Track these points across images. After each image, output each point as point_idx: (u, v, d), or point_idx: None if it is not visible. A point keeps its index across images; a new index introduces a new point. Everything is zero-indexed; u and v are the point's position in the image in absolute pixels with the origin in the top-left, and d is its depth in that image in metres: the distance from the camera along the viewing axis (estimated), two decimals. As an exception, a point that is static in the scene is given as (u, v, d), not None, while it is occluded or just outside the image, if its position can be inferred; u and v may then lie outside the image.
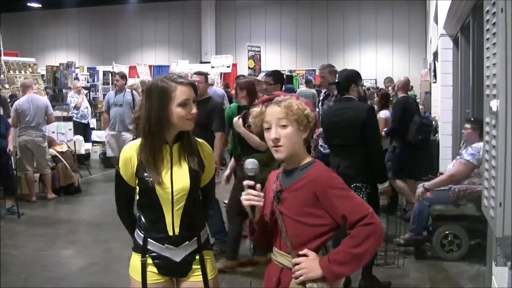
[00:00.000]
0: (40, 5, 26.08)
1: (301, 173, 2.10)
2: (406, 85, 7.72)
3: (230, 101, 13.06)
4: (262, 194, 2.10)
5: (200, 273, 2.40)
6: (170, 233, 2.33)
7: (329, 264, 1.97)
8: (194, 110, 2.30)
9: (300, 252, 2.03)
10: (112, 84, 13.13)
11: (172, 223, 2.34)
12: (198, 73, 5.88)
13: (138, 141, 2.36)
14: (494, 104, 1.99)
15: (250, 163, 2.08)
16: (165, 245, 2.34)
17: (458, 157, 5.27)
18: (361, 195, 4.18)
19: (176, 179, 2.32)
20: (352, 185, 4.17)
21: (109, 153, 9.71)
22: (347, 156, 4.36)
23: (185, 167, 2.34)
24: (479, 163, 4.94)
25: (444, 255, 5.25)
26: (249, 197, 2.06)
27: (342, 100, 4.64)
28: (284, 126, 2.08)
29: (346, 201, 2.01)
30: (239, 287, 4.61)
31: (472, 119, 5.56)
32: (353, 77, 4.65)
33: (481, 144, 4.88)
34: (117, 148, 9.07)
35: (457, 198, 5.23)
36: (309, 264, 2.00)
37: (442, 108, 8.47)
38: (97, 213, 7.51)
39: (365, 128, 4.30)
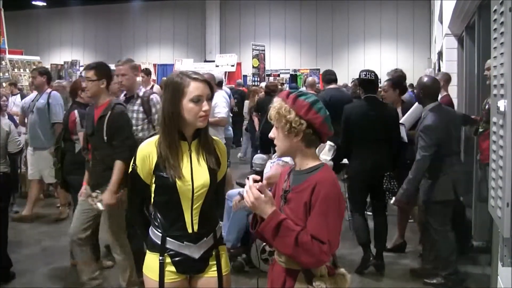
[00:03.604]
0: (45, 3, 26.13)
1: (307, 176, 2.11)
2: (312, 84, 8.95)
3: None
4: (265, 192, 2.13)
5: (215, 268, 2.42)
6: (190, 231, 2.35)
7: (274, 221, 2.02)
8: (206, 108, 2.30)
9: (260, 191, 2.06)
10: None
11: (191, 220, 2.35)
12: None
13: (156, 137, 2.38)
14: (501, 104, 1.99)
15: (259, 159, 2.11)
16: (184, 242, 2.35)
17: (275, 160, 4.90)
18: (392, 183, 4.88)
19: (196, 176, 2.34)
20: (386, 174, 4.86)
21: (31, 174, 6.93)
22: (378, 149, 4.85)
23: (204, 164, 2.37)
24: None
25: (264, 267, 4.75)
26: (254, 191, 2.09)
27: (370, 99, 5.02)
28: (276, 127, 2.15)
29: (321, 218, 2.01)
30: (245, 287, 4.61)
31: None
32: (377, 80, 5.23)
33: None
34: (37, 170, 6.71)
35: None
36: (262, 205, 2.05)
37: (447, 108, 8.44)
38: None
39: (392, 126, 4.92)
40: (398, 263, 5.30)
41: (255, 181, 2.09)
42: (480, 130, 5.04)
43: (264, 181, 2.11)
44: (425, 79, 4.70)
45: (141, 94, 4.73)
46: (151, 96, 4.73)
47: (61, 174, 5.08)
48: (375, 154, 4.85)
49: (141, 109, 4.68)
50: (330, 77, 6.90)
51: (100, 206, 3.98)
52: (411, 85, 19.74)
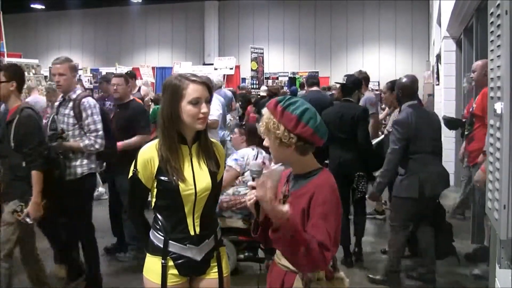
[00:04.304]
0: (43, 7, 26.15)
1: (305, 181, 2.10)
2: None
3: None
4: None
5: (216, 270, 2.44)
6: (192, 233, 2.35)
7: (293, 227, 1.89)
8: (205, 110, 2.30)
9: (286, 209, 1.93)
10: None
11: (193, 223, 2.36)
12: (118, 75, 5.63)
13: (156, 141, 2.37)
14: (498, 106, 1.99)
15: (255, 166, 2.08)
16: (187, 245, 2.35)
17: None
18: (362, 182, 5.05)
19: (199, 179, 2.34)
20: (356, 174, 5.06)
21: None
22: (348, 149, 5.16)
23: (205, 168, 2.38)
24: (243, 170, 4.72)
25: None
26: (252, 197, 2.05)
27: (344, 101, 5.45)
28: (268, 139, 2.12)
29: (323, 223, 1.98)
30: (246, 287, 4.61)
31: (242, 123, 5.48)
32: (358, 83, 5.64)
33: (246, 150, 4.79)
34: None
35: (221, 209, 4.75)
36: (275, 212, 1.89)
37: (445, 110, 8.46)
38: (102, 213, 7.51)
39: (358, 124, 5.19)
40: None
41: (253, 188, 1.99)
42: (466, 133, 5.11)
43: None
44: (404, 79, 4.85)
45: (73, 97, 4.33)
46: (83, 100, 4.33)
47: None
48: (348, 154, 5.18)
49: (71, 113, 4.32)
50: (312, 80, 7.51)
51: (28, 220, 3.80)
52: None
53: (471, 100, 6.23)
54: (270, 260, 4.83)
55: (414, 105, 4.68)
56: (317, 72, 21.17)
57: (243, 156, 4.71)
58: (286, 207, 1.88)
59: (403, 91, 4.77)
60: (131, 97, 5.67)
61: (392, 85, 5.81)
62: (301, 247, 1.90)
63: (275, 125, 2.05)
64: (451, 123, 5.91)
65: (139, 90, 9.53)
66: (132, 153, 5.11)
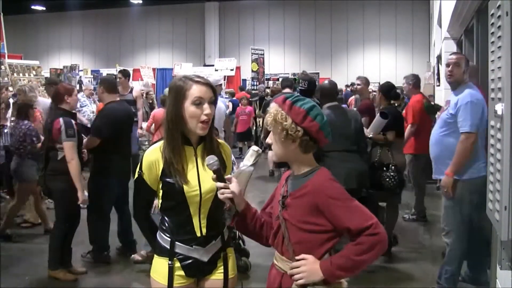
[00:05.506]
0: (44, 8, 26.19)
1: (304, 180, 2.10)
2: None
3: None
4: (229, 183, 2.14)
5: (222, 270, 2.43)
6: (198, 234, 2.35)
7: (330, 267, 1.97)
8: (208, 111, 2.27)
9: (298, 257, 2.03)
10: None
11: (200, 224, 2.35)
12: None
13: (161, 142, 2.37)
14: (499, 107, 1.99)
15: (209, 159, 2.13)
16: (193, 246, 2.35)
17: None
18: None
19: (203, 181, 2.33)
20: None
21: None
22: None
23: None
24: None
25: None
26: (222, 191, 2.10)
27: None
28: (273, 133, 2.13)
29: (349, 212, 1.99)
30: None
31: None
32: (314, 86, 6.16)
33: None
34: None
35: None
36: (309, 267, 2.00)
37: (445, 111, 8.45)
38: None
39: None
40: (388, 267, 5.30)
41: (216, 179, 2.12)
42: None
43: (228, 176, 2.12)
44: (325, 82, 5.28)
45: None
46: None
47: (43, 181, 4.98)
48: None
49: None
50: (285, 83, 7.96)
51: None
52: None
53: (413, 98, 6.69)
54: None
55: (332, 107, 4.99)
56: (318, 73, 21.20)
57: None
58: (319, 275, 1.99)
59: (322, 93, 5.16)
60: (117, 99, 5.58)
61: (382, 87, 6.05)
62: (361, 260, 1.95)
63: (283, 116, 2.06)
64: (430, 108, 6.14)
65: (131, 91, 8.90)
66: (103, 159, 5.16)
